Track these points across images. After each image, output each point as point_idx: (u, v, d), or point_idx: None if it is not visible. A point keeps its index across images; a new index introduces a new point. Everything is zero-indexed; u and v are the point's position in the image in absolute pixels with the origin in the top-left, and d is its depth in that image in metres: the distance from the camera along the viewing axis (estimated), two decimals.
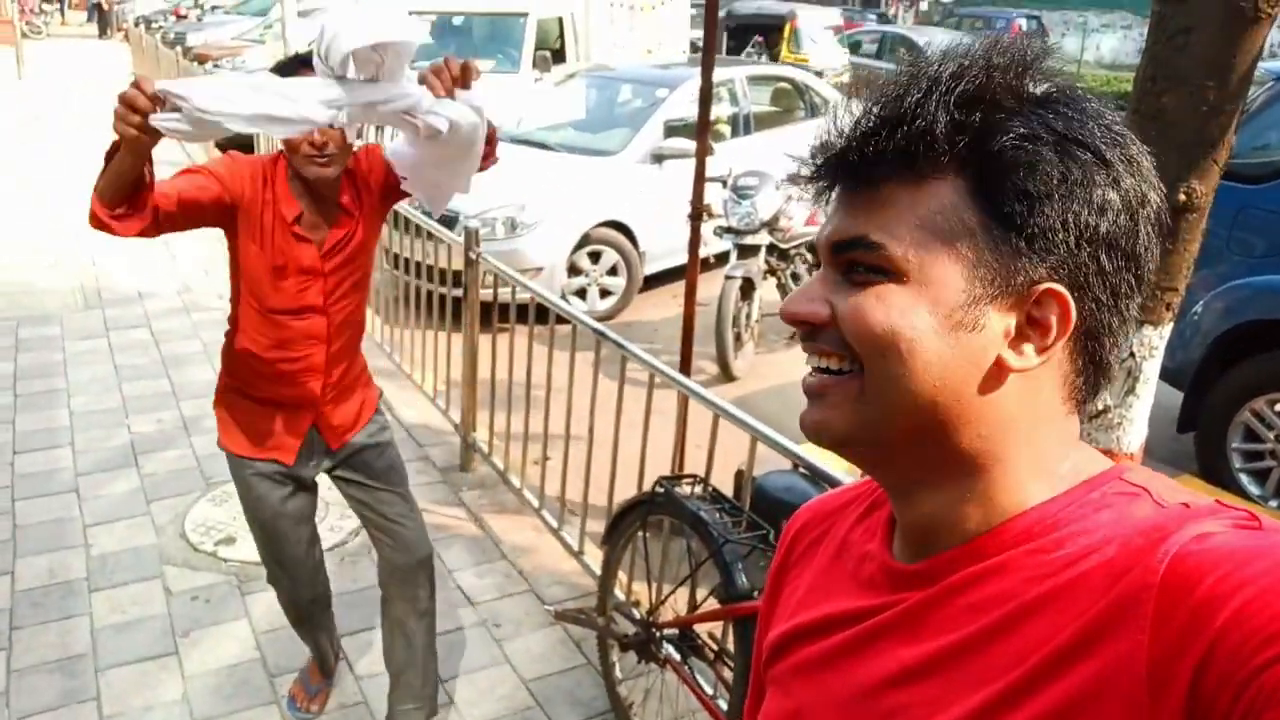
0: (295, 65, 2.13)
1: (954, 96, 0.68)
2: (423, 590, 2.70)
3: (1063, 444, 0.73)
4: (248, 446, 2.50)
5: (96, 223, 1.97)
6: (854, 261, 0.72)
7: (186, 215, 2.17)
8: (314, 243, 2.35)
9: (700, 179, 3.74)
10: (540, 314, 3.75)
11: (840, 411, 0.73)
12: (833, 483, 2.18)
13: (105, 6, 26.42)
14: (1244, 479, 4.33)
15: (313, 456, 2.57)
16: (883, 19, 31.77)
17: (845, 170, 0.72)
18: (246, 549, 3.58)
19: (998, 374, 0.70)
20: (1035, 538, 0.69)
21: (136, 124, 1.67)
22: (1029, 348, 0.70)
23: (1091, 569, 0.64)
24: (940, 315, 0.68)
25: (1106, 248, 0.69)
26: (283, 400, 2.48)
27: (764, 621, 0.94)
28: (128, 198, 1.93)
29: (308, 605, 2.76)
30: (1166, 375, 3.91)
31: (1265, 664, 0.54)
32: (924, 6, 29.20)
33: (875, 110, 0.70)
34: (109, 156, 1.86)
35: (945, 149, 0.68)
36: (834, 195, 0.75)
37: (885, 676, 0.74)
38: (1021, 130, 0.67)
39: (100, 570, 3.45)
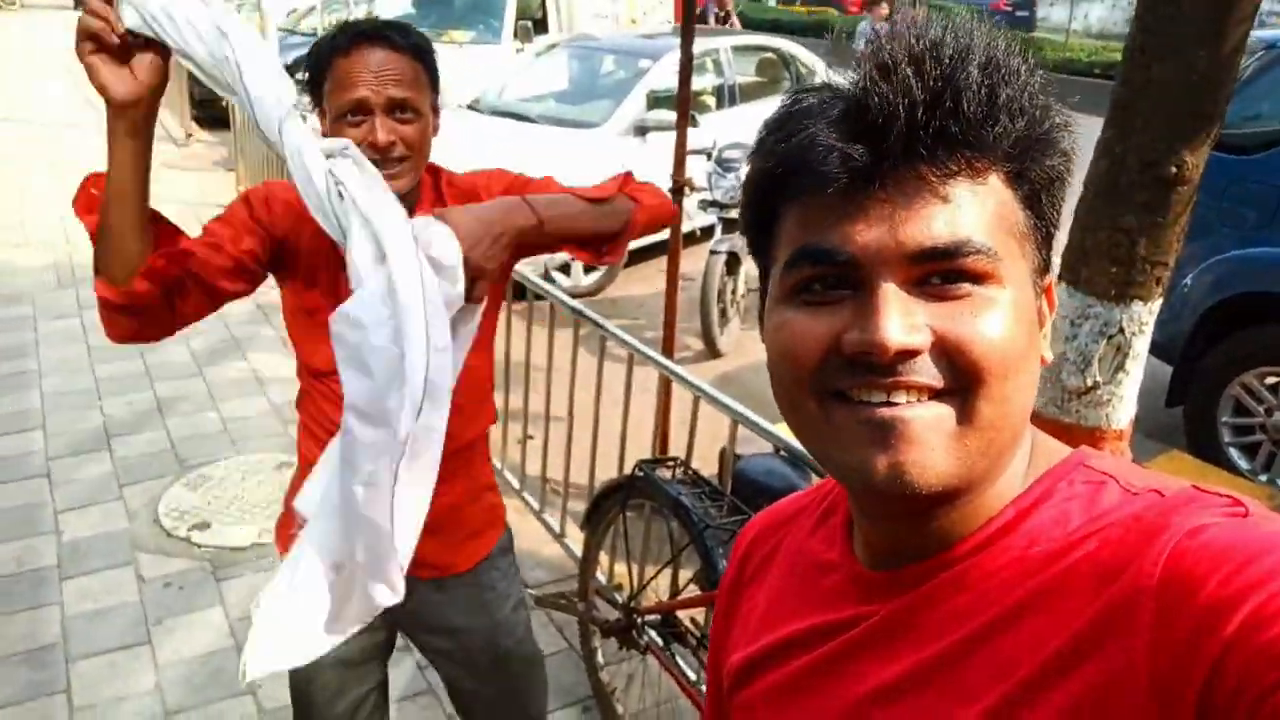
0: (348, 37, 1.59)
1: (1037, 91, 0.64)
2: None
3: (1027, 433, 0.70)
4: None
5: (109, 315, 1.46)
6: (943, 270, 0.63)
7: (220, 281, 1.56)
8: None
9: (681, 152, 3.66)
10: (519, 291, 3.67)
11: (943, 448, 0.62)
12: (811, 465, 2.12)
13: None
14: (1233, 453, 4.30)
15: None
16: None
17: (907, 157, 0.62)
18: (220, 534, 3.53)
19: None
20: (1007, 536, 0.65)
21: (97, 29, 1.24)
22: (1041, 339, 0.69)
23: (1073, 565, 0.60)
24: (1029, 317, 0.65)
25: None
26: None
27: (718, 645, 0.88)
28: (137, 250, 1.40)
29: None
30: (1155, 349, 3.87)
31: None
32: None
33: (980, 98, 0.61)
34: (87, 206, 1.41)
35: (1033, 145, 0.64)
36: (839, 188, 0.63)
37: (865, 694, 0.69)
38: (1061, 121, 0.66)
39: (71, 557, 3.37)
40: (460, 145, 6.74)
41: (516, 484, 3.75)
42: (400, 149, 1.58)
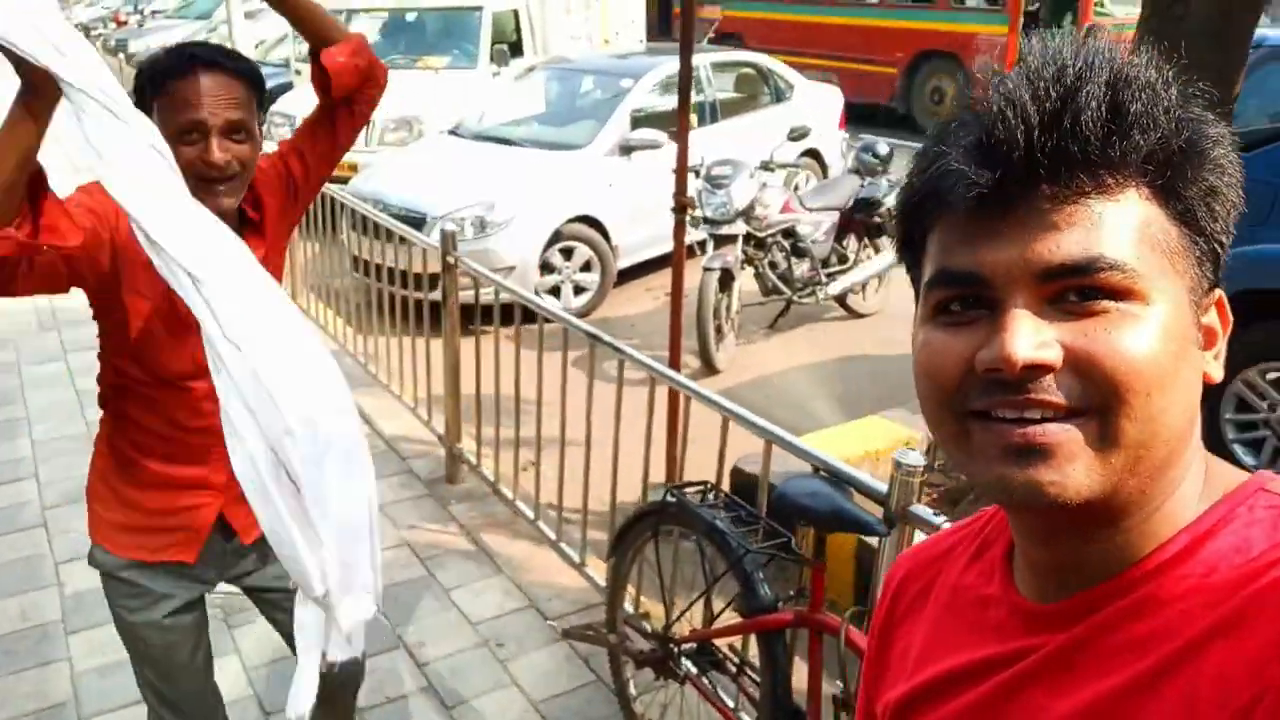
0: (183, 60, 1.67)
1: (1174, 104, 0.63)
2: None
3: (1200, 457, 0.69)
4: (136, 546, 1.90)
5: None
6: (1078, 286, 0.62)
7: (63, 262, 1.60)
8: None
9: (682, 170, 3.64)
10: (521, 315, 3.62)
11: (1084, 464, 0.62)
12: (855, 484, 2.08)
13: None
14: (1238, 449, 4.31)
15: (216, 557, 1.96)
16: None
17: (1033, 179, 0.62)
18: None
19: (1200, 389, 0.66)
20: (1184, 563, 0.64)
21: None
22: (1209, 356, 0.67)
23: (1257, 593, 0.59)
24: (1180, 335, 0.63)
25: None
26: (179, 481, 1.88)
27: (872, 684, 0.88)
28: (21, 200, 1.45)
29: None
30: None
31: None
32: None
33: (1101, 116, 0.61)
34: None
35: (1173, 158, 0.63)
36: (972, 212, 0.64)
37: None
38: (1213, 134, 0.65)
39: (76, 610, 3.27)
40: (445, 169, 6.72)
41: (530, 514, 3.68)
42: (234, 167, 1.69)
